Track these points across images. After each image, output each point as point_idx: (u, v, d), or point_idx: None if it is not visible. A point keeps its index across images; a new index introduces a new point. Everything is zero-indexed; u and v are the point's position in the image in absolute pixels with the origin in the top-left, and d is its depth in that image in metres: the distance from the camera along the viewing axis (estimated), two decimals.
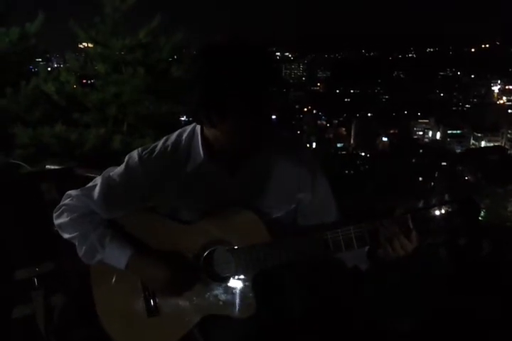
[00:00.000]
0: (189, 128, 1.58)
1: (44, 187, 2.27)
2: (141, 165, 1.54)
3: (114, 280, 1.61)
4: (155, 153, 1.55)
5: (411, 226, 1.42)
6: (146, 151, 1.56)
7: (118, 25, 6.47)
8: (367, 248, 1.52)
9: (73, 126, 6.73)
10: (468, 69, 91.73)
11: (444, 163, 53.09)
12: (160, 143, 1.58)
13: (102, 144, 6.70)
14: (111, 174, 1.58)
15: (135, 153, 1.57)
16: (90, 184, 1.61)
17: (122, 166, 1.58)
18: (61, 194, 1.75)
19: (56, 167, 2.66)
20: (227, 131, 1.43)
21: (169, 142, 1.57)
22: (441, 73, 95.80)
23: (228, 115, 1.37)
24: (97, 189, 1.57)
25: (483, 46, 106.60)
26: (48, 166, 2.63)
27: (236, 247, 1.51)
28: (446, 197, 1.44)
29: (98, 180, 1.60)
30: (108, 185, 1.57)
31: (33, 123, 6.62)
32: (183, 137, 1.56)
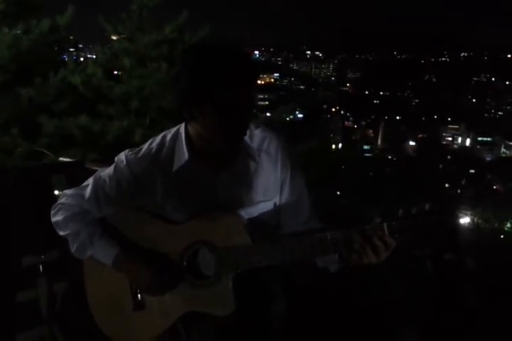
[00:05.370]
0: (174, 129, 1.65)
1: (54, 178, 2.37)
2: (128, 166, 1.62)
3: (104, 273, 1.70)
4: (140, 154, 1.63)
5: (386, 234, 1.46)
6: (132, 152, 1.64)
7: (144, 20, 6.59)
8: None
9: (97, 117, 6.87)
10: (503, 75, 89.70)
11: (473, 171, 52.15)
12: (146, 145, 1.65)
13: (124, 136, 6.82)
14: (101, 174, 1.67)
15: (122, 155, 1.65)
16: (84, 183, 1.70)
17: (112, 167, 1.66)
18: (70, 186, 1.84)
19: (68, 159, 2.77)
20: (208, 125, 1.50)
21: (154, 144, 1.64)
22: (475, 78, 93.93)
23: (205, 107, 1.45)
24: (89, 188, 1.66)
25: None
26: (60, 158, 2.74)
27: (218, 247, 1.57)
28: (426, 207, 1.46)
29: (90, 180, 1.69)
30: (99, 185, 1.66)
31: (59, 113, 6.78)
32: (168, 138, 1.63)
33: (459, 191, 44.13)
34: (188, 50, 1.51)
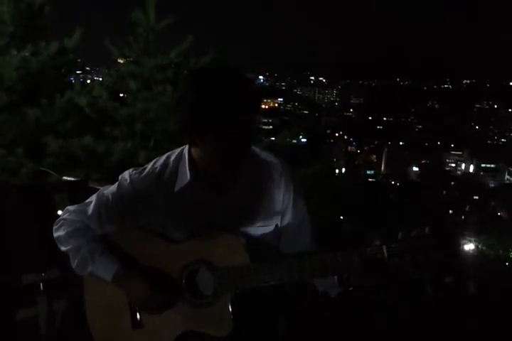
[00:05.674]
0: (178, 150, 1.68)
1: (57, 197, 2.39)
2: (131, 185, 1.64)
3: (104, 290, 1.69)
4: (144, 174, 1.65)
5: (385, 257, 1.46)
6: (136, 171, 1.67)
7: (150, 44, 6.71)
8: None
9: (102, 138, 6.93)
10: (506, 102, 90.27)
11: (476, 197, 51.98)
12: (150, 165, 1.68)
13: (128, 158, 6.86)
14: (105, 192, 1.69)
15: (126, 173, 1.68)
16: (87, 200, 1.72)
17: (115, 185, 1.68)
18: (73, 204, 1.85)
19: (71, 179, 2.79)
20: (208, 151, 1.53)
21: (158, 164, 1.67)
22: (477, 105, 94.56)
23: (207, 135, 1.48)
24: (92, 205, 1.68)
25: None
26: (64, 177, 2.76)
27: (217, 268, 1.57)
28: (426, 230, 1.46)
29: (94, 197, 1.71)
30: (101, 202, 1.67)
31: (64, 133, 6.85)
32: (171, 159, 1.66)
33: (462, 217, 43.90)
34: (188, 78, 1.54)
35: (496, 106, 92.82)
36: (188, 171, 1.59)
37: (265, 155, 1.67)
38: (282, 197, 1.64)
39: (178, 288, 1.60)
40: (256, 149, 1.65)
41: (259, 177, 1.62)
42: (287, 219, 1.66)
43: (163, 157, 1.68)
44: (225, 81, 1.45)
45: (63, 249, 1.70)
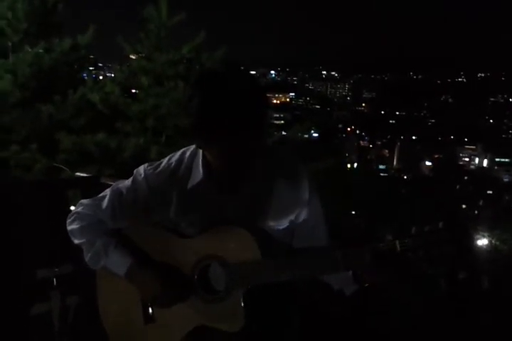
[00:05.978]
0: (193, 146, 1.66)
1: (70, 193, 2.41)
2: (145, 180, 1.64)
3: (117, 285, 1.71)
4: (159, 169, 1.64)
5: (398, 252, 1.44)
6: (151, 167, 1.66)
7: (162, 40, 6.72)
8: (351, 272, 1.56)
9: (114, 134, 6.98)
10: None
11: (490, 192, 51.54)
12: (165, 160, 1.67)
13: (140, 153, 6.91)
14: (119, 186, 1.69)
15: (141, 168, 1.67)
16: (101, 194, 1.72)
17: (130, 179, 1.68)
18: None
19: (84, 175, 2.81)
20: (215, 154, 1.52)
21: (173, 159, 1.66)
22: (492, 99, 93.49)
23: (211, 139, 1.46)
24: (106, 200, 1.68)
25: None
26: (77, 173, 2.78)
27: (229, 263, 1.56)
28: (440, 225, 1.45)
29: (108, 192, 1.71)
30: (115, 197, 1.67)
31: (77, 129, 6.91)
32: (186, 155, 1.65)
33: (476, 212, 43.55)
34: (194, 86, 1.48)
35: (510, 100, 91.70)
36: (201, 168, 1.59)
37: (279, 151, 1.65)
38: (297, 195, 1.61)
39: (190, 283, 1.61)
40: (269, 145, 1.63)
41: (272, 175, 1.60)
42: (302, 216, 1.64)
43: (179, 152, 1.68)
44: (228, 92, 1.40)
45: (76, 241, 1.71)
